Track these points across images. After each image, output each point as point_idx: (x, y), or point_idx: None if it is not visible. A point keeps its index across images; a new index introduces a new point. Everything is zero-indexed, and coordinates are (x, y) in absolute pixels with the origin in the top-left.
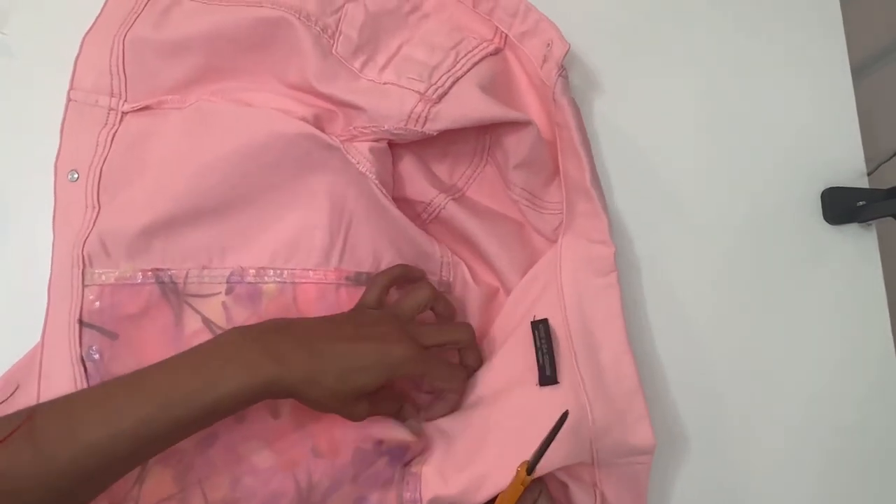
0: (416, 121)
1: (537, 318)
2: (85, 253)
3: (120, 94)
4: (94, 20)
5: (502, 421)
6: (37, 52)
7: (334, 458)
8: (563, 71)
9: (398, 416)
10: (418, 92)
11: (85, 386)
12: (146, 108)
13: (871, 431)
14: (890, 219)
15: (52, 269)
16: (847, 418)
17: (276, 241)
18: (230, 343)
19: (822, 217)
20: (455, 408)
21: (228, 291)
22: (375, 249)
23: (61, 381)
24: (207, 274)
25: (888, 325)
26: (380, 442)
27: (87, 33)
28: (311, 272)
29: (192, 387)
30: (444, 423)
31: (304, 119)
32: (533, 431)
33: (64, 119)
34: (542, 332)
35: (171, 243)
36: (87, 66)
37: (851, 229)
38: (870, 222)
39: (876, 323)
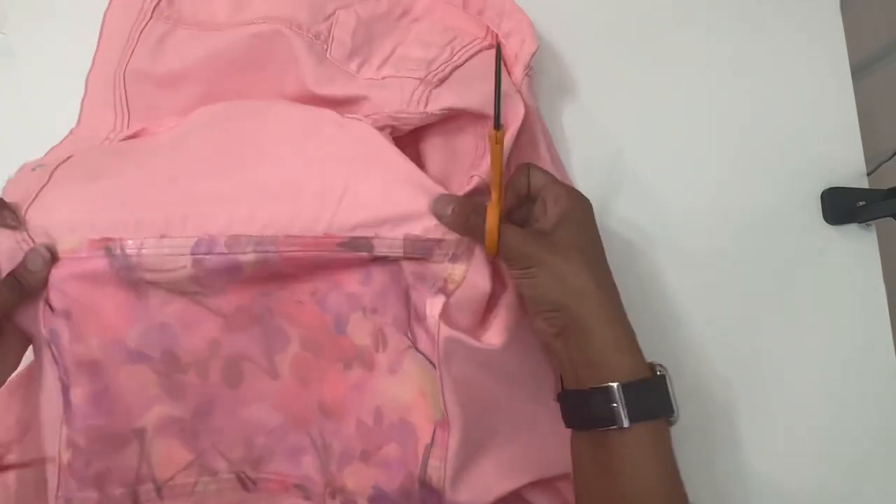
0: (418, 102)
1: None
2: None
3: (122, 129)
4: (92, 58)
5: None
6: (37, 52)
7: (340, 422)
8: (529, 70)
9: None
10: (418, 78)
11: (57, 369)
12: (143, 130)
13: (871, 431)
14: (890, 219)
15: None
16: (847, 418)
17: (261, 207)
18: None
19: (822, 217)
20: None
21: (196, 264)
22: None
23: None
24: (168, 243)
25: (888, 325)
26: (379, 414)
27: (89, 72)
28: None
29: None
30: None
31: None
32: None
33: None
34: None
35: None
36: (93, 106)
37: (851, 229)
38: (870, 222)
39: (876, 323)
